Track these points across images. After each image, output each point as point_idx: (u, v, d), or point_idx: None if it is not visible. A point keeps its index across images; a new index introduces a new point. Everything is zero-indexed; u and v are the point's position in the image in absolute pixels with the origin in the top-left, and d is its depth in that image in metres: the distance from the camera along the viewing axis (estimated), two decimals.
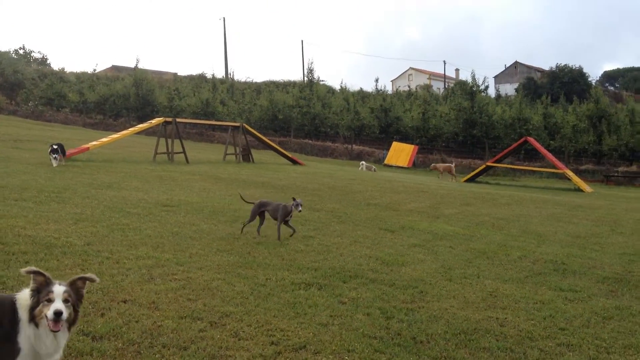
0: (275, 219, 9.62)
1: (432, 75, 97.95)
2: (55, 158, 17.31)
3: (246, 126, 29.88)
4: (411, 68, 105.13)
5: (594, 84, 70.53)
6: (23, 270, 3.59)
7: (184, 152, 24.34)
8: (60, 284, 3.57)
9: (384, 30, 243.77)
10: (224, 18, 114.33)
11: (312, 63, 79.65)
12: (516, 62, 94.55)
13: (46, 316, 3.47)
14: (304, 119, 48.84)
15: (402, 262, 8.54)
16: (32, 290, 3.57)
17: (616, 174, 37.36)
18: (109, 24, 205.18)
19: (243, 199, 10.89)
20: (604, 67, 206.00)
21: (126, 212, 10.57)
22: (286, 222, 9.59)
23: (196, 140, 44.17)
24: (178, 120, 26.84)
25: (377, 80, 74.47)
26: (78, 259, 7.02)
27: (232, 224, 10.40)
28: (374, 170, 32.86)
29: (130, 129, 27.00)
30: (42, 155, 19.83)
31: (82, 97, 54.95)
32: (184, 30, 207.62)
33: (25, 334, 3.52)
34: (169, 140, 24.54)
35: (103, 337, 4.87)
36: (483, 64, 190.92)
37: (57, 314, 3.45)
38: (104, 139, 23.91)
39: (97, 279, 3.77)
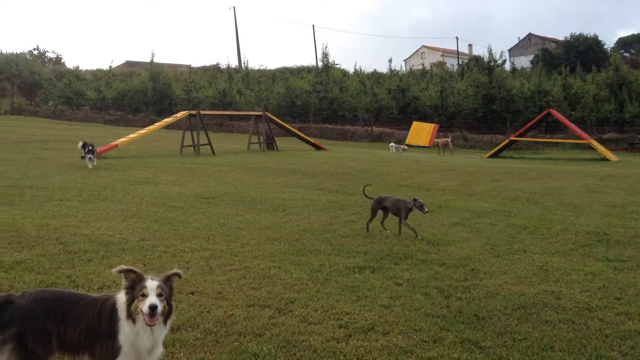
0: (395, 214, 9.29)
1: (445, 52, 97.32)
2: (90, 159, 17.02)
3: (269, 114, 30.06)
4: (423, 46, 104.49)
5: (609, 51, 69.70)
6: (114, 270, 3.69)
7: (209, 144, 24.59)
8: (152, 279, 3.67)
9: (393, 10, 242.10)
10: (234, 7, 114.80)
11: (326, 47, 79.57)
12: (530, 34, 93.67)
13: (142, 311, 3.58)
14: (322, 104, 48.85)
15: (448, 242, 8.67)
16: (125, 288, 3.68)
17: None
18: (119, 20, 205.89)
19: (365, 194, 10.51)
20: (618, 33, 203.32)
21: (169, 206, 10.79)
22: (405, 219, 9.13)
23: (216, 131, 44.32)
24: (202, 112, 27.03)
25: (390, 61, 74.49)
26: (137, 255, 7.23)
27: (274, 213, 10.58)
28: (404, 150, 32.89)
29: (156, 124, 27.32)
30: (71, 154, 20.15)
31: (100, 94, 55.43)
32: (195, 22, 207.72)
33: (125, 332, 3.65)
34: (195, 133, 24.79)
35: (180, 328, 5.05)
36: (496, 38, 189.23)
37: (152, 307, 3.55)
38: (132, 135, 24.20)
39: (183, 274, 3.92)
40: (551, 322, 5.47)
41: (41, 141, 26.23)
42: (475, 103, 44.54)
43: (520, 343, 5.00)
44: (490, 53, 46.91)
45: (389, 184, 15.17)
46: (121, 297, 3.72)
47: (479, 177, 17.27)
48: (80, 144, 17.63)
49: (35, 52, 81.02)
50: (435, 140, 34.64)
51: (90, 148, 17.17)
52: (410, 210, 9.07)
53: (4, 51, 67.53)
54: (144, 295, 3.61)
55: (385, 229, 9.42)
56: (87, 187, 12.70)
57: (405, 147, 34.09)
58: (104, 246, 7.55)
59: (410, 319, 5.47)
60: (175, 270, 3.87)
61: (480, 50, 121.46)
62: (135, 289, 3.65)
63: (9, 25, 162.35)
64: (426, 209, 8.96)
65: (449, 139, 34.38)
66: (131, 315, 3.64)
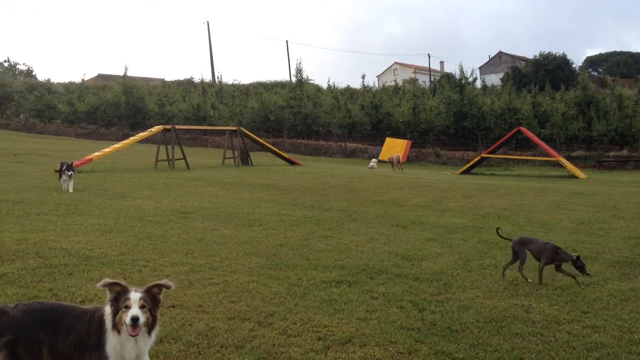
0: (537, 259, 7.87)
1: (417, 69, 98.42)
2: (70, 176, 14.69)
3: (244, 129, 30.21)
4: (396, 63, 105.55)
5: (578, 70, 71.20)
6: (99, 284, 3.84)
7: (184, 158, 24.65)
8: (136, 291, 3.83)
9: (366, 26, 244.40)
10: (207, 22, 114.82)
11: (300, 63, 79.90)
12: (500, 52, 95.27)
13: (125, 322, 3.74)
14: (295, 119, 49.10)
15: (421, 257, 8.88)
16: (110, 300, 3.83)
17: (608, 159, 37.90)
18: (92, 32, 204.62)
19: (499, 235, 8.86)
20: (586, 52, 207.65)
21: (146, 220, 10.87)
22: (558, 267, 7.74)
23: (190, 145, 44.26)
24: (177, 127, 27.09)
25: (363, 77, 75.01)
26: (117, 269, 7.32)
27: (251, 228, 10.71)
28: (372, 167, 32.87)
29: (131, 138, 27.28)
30: (44, 168, 20.10)
31: (72, 107, 54.97)
32: (169, 36, 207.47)
33: (111, 343, 3.79)
34: (169, 147, 24.83)
35: (163, 341, 5.17)
36: (467, 56, 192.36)
37: (134, 319, 3.70)
38: (107, 149, 24.14)
39: (172, 285, 4.04)
40: (521, 335, 5.69)
41: (13, 154, 26.06)
42: (447, 120, 45.17)
43: (491, 355, 5.20)
44: (461, 70, 47.82)
45: (363, 200, 15.38)
46: (107, 309, 3.86)
47: (451, 193, 17.57)
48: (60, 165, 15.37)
49: (6, 65, 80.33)
50: (390, 158, 32.85)
51: (68, 165, 15.01)
52: (562, 260, 7.63)
53: None
54: (128, 307, 3.75)
55: (524, 277, 7.83)
56: (64, 201, 12.71)
57: (371, 165, 33.79)
58: (84, 260, 7.63)
59: (386, 332, 5.64)
60: (157, 281, 4.01)
61: (451, 68, 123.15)
62: (119, 300, 3.80)
63: None
64: (588, 271, 7.51)
65: (400, 156, 33.81)
66: (116, 327, 3.79)
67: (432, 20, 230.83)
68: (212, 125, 47.24)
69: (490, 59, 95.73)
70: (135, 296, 3.79)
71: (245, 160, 28.89)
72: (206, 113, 50.88)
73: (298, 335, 5.49)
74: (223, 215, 11.88)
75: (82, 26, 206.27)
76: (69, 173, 14.72)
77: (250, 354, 5.02)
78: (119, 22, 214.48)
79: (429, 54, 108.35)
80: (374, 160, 34.73)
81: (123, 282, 3.89)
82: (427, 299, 6.73)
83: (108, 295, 3.85)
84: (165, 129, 25.88)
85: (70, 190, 14.49)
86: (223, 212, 12.28)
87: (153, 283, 3.98)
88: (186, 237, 9.56)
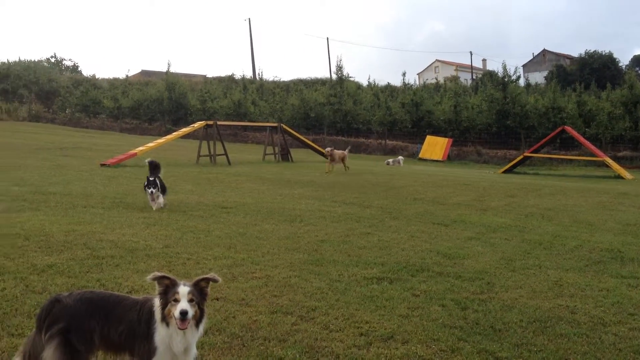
0: None
1: (459, 67, 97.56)
2: (152, 195, 11.64)
3: (284, 126, 30.38)
4: (437, 60, 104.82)
5: (624, 69, 69.58)
6: (148, 277, 3.91)
7: (225, 154, 24.90)
8: (184, 285, 3.87)
9: (408, 24, 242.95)
10: (249, 19, 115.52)
11: (340, 60, 79.76)
12: (544, 50, 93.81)
13: (174, 315, 3.80)
14: (335, 116, 49.09)
15: (463, 255, 8.82)
16: (159, 293, 3.89)
17: None
18: (135, 29, 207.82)
19: None
20: (633, 51, 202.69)
21: (190, 214, 11.03)
22: None
23: (231, 141, 44.54)
24: (219, 123, 27.38)
25: (404, 74, 74.16)
26: (162, 261, 7.45)
27: (292, 223, 10.77)
28: (399, 164, 32.22)
29: (175, 133, 27.74)
30: (90, 162, 20.51)
31: (116, 102, 55.90)
32: (211, 33, 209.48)
33: (160, 334, 3.87)
34: (211, 143, 25.11)
35: (208, 332, 5.24)
36: (510, 54, 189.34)
37: (183, 313, 3.76)
38: (150, 144, 24.56)
39: (220, 280, 4.09)
40: (566, 336, 5.62)
41: (60, 148, 26.60)
42: (489, 118, 44.57)
43: (536, 355, 5.15)
44: (504, 68, 47.00)
45: (403, 197, 15.33)
46: (157, 301, 3.93)
47: (492, 192, 17.39)
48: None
49: (53, 60, 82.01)
50: (329, 150, 25.72)
51: (150, 180, 11.87)
52: None
53: (22, 58, 68.43)
54: (177, 301, 3.81)
55: None
56: (109, 194, 12.97)
57: (392, 161, 33.05)
58: (129, 252, 7.78)
59: (428, 329, 5.63)
60: (205, 275, 4.06)
61: (493, 66, 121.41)
62: (168, 293, 3.85)
63: (27, 34, 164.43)
64: None
65: (347, 151, 27.64)
66: (165, 319, 3.85)
67: (474, 17, 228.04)
68: (252, 121, 47.55)
69: (534, 57, 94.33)
70: (184, 290, 3.83)
71: (285, 156, 29.06)
72: (247, 109, 51.19)
73: (340, 330, 5.52)
74: (264, 211, 11.98)
75: (126, 23, 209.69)
76: (150, 190, 11.65)
77: (293, 347, 5.06)
78: (162, 19, 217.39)
79: (471, 52, 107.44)
80: (400, 157, 34.10)
81: (172, 276, 3.94)
82: (470, 297, 6.69)
83: (157, 288, 3.91)
84: (207, 125, 26.19)
85: (161, 206, 11.79)
86: (264, 208, 12.38)
87: (201, 277, 4.02)
88: (228, 231, 9.67)
